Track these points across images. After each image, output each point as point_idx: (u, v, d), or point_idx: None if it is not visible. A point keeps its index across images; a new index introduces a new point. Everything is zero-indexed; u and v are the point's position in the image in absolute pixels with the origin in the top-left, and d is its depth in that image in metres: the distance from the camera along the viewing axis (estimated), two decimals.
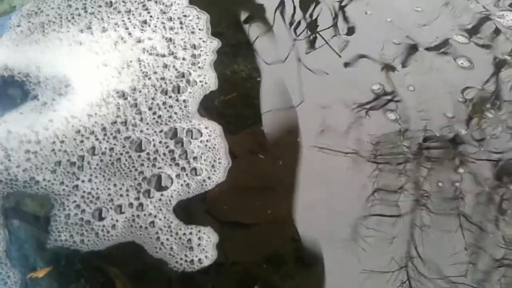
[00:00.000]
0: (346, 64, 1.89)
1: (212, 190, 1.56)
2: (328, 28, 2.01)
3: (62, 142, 1.62)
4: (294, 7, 2.09)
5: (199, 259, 1.43)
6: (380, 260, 1.43)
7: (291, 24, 2.04)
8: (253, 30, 2.02)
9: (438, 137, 1.68)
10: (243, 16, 2.07)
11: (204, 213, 1.54)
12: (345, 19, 2.04)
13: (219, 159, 1.61)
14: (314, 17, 2.06)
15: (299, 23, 2.04)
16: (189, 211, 1.52)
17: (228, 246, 1.47)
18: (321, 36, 1.99)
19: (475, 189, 1.57)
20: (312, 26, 2.03)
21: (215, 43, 1.92)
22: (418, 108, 1.76)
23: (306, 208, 1.54)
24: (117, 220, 1.48)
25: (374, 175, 1.59)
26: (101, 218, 1.48)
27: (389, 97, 1.78)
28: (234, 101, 1.80)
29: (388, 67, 1.87)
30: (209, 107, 1.76)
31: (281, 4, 2.10)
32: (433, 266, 1.42)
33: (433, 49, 1.93)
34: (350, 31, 2.00)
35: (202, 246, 1.45)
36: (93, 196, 1.52)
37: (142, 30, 1.94)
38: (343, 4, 2.09)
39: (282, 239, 1.50)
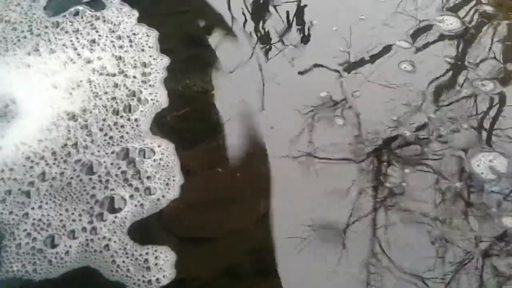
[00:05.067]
0: (297, 73, 1.91)
1: (169, 207, 1.55)
2: (279, 39, 2.04)
3: (11, 170, 1.59)
4: (245, 20, 2.11)
5: (157, 279, 1.42)
6: (342, 266, 1.44)
7: (242, 36, 2.06)
8: (204, 45, 2.03)
9: (385, 139, 1.72)
10: (193, 31, 2.08)
11: (160, 232, 1.53)
12: (294, 30, 2.07)
13: (173, 176, 1.60)
14: (264, 29, 2.08)
15: (250, 35, 2.06)
16: (145, 231, 1.51)
17: (188, 262, 1.47)
18: (273, 46, 2.01)
19: (421, 186, 1.60)
20: (263, 37, 2.05)
21: (166, 60, 1.92)
22: (364, 112, 1.79)
23: (265, 218, 1.55)
24: (70, 246, 1.45)
25: (330, 180, 1.61)
26: (53, 245, 1.45)
27: (336, 103, 1.81)
28: (187, 116, 1.80)
29: (335, 74, 1.91)
30: (162, 124, 1.76)
31: (232, 18, 2.12)
32: (398, 264, 1.44)
33: (377, 55, 1.98)
34: (299, 41, 2.03)
35: (159, 266, 1.44)
36: (44, 223, 1.49)
37: (91, 49, 1.92)
38: (291, 16, 2.12)
39: (242, 251, 1.50)
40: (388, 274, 1.42)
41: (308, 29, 2.08)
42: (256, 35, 2.06)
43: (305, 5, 2.16)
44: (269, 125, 1.76)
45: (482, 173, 1.60)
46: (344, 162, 1.66)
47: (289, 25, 2.09)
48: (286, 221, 1.54)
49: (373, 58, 1.97)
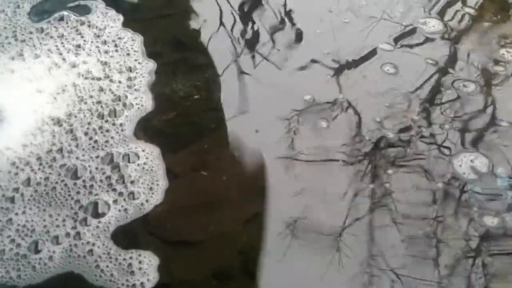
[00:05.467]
0: (282, 76, 1.93)
1: (154, 211, 1.56)
2: (265, 43, 2.05)
3: None
4: (232, 23, 2.12)
5: (141, 283, 1.42)
6: (330, 267, 1.45)
7: (228, 39, 2.07)
8: (191, 48, 2.04)
9: (368, 141, 1.73)
10: (180, 35, 2.09)
11: (145, 236, 1.53)
12: (279, 33, 2.09)
13: (157, 181, 1.61)
14: (250, 33, 2.09)
15: (236, 38, 2.07)
16: (129, 235, 1.51)
17: (173, 266, 1.47)
18: (259, 50, 2.02)
19: (404, 187, 1.61)
20: (249, 41, 2.06)
21: (151, 65, 1.92)
22: (348, 114, 1.81)
23: (252, 220, 1.56)
24: (54, 252, 1.45)
25: (316, 182, 1.62)
26: (37, 251, 1.45)
27: (321, 106, 1.83)
28: (174, 120, 1.80)
29: (319, 77, 1.92)
30: (147, 129, 1.76)
31: (218, 21, 2.13)
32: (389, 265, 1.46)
33: (361, 57, 1.99)
34: (285, 44, 2.04)
35: (143, 270, 1.44)
36: (28, 229, 1.49)
37: (76, 54, 1.92)
38: (276, 20, 2.13)
39: (229, 253, 1.51)
40: (382, 275, 1.43)
41: (293, 33, 2.09)
42: (243, 38, 2.07)
43: (291, 10, 2.17)
44: (254, 128, 1.77)
45: (464, 173, 1.62)
46: (330, 164, 1.67)
47: (275, 29, 2.11)
48: (272, 223, 1.54)
49: (357, 61, 1.98)
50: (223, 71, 1.95)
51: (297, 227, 1.53)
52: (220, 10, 2.18)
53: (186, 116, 1.82)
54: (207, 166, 1.68)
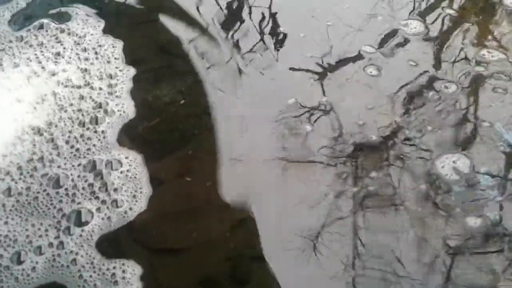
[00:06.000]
0: (266, 80, 1.92)
1: (139, 219, 1.54)
2: (248, 48, 2.05)
3: None
4: (215, 28, 2.11)
5: None
6: (318, 271, 1.44)
7: (212, 45, 2.06)
8: (174, 54, 2.03)
9: (352, 143, 1.73)
10: (163, 40, 2.08)
11: (130, 244, 1.51)
12: (262, 37, 2.09)
13: (140, 188, 1.59)
14: (234, 38, 2.09)
15: (220, 43, 2.06)
16: (112, 244, 1.50)
17: (159, 274, 1.46)
18: (243, 54, 2.02)
19: (387, 189, 1.62)
20: (233, 46, 2.05)
21: (132, 71, 1.91)
22: (331, 117, 1.81)
23: (239, 226, 1.55)
24: (37, 262, 1.43)
25: (302, 185, 1.62)
26: (20, 262, 1.43)
27: (304, 109, 1.83)
28: (158, 127, 1.79)
29: (303, 80, 1.92)
30: (131, 135, 1.75)
31: (202, 26, 2.12)
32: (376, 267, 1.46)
33: (344, 60, 2.00)
34: (268, 48, 2.05)
35: (126, 279, 1.42)
36: (10, 239, 1.47)
37: (56, 62, 1.90)
38: (260, 24, 2.14)
39: (216, 260, 1.49)
40: (370, 277, 1.43)
41: (277, 37, 2.09)
42: (227, 44, 2.06)
43: (274, 14, 2.18)
44: (239, 133, 1.76)
45: (447, 175, 1.63)
46: (315, 167, 1.67)
47: (258, 33, 2.11)
48: (259, 228, 1.53)
49: (340, 63, 1.99)
50: (207, 76, 1.94)
51: (285, 231, 1.52)
52: (204, 16, 2.18)
53: (170, 122, 1.81)
54: (192, 172, 1.67)
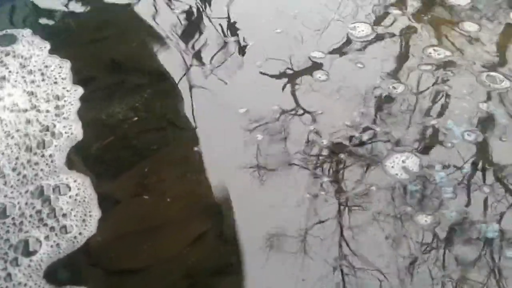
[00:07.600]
0: (215, 91, 1.91)
1: (95, 241, 1.51)
2: (202, 60, 2.04)
3: None
4: (171, 41, 2.10)
5: None
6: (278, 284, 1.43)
7: (164, 58, 2.05)
8: (126, 71, 2.01)
9: (303, 150, 1.73)
10: (114, 58, 2.05)
11: (83, 270, 1.48)
12: (215, 49, 2.08)
13: (89, 212, 1.56)
14: (187, 52, 2.07)
15: (174, 58, 2.04)
16: (63, 271, 1.46)
17: None
18: (195, 69, 2.01)
19: (337, 192, 1.62)
20: (186, 60, 2.04)
21: (80, 91, 1.88)
22: (282, 124, 1.81)
23: (198, 241, 1.52)
24: None
25: (260, 194, 1.61)
26: None
27: (255, 117, 1.82)
28: (111, 145, 1.76)
29: (253, 89, 1.93)
30: (82, 157, 1.71)
31: (153, 41, 2.11)
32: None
33: (293, 66, 2.01)
34: (221, 59, 2.04)
35: None
36: None
37: (1, 87, 1.86)
38: (212, 36, 2.14)
39: (176, 278, 1.47)
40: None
41: (229, 47, 2.09)
42: (180, 57, 2.05)
43: (228, 25, 2.18)
44: (195, 146, 1.74)
45: (397, 174, 1.63)
46: (271, 174, 1.65)
47: (211, 45, 2.10)
48: (219, 242, 1.52)
49: (289, 70, 1.99)
50: (162, 90, 1.92)
51: (246, 242, 1.50)
52: (155, 30, 2.16)
53: (124, 139, 1.78)
54: (149, 189, 1.65)
